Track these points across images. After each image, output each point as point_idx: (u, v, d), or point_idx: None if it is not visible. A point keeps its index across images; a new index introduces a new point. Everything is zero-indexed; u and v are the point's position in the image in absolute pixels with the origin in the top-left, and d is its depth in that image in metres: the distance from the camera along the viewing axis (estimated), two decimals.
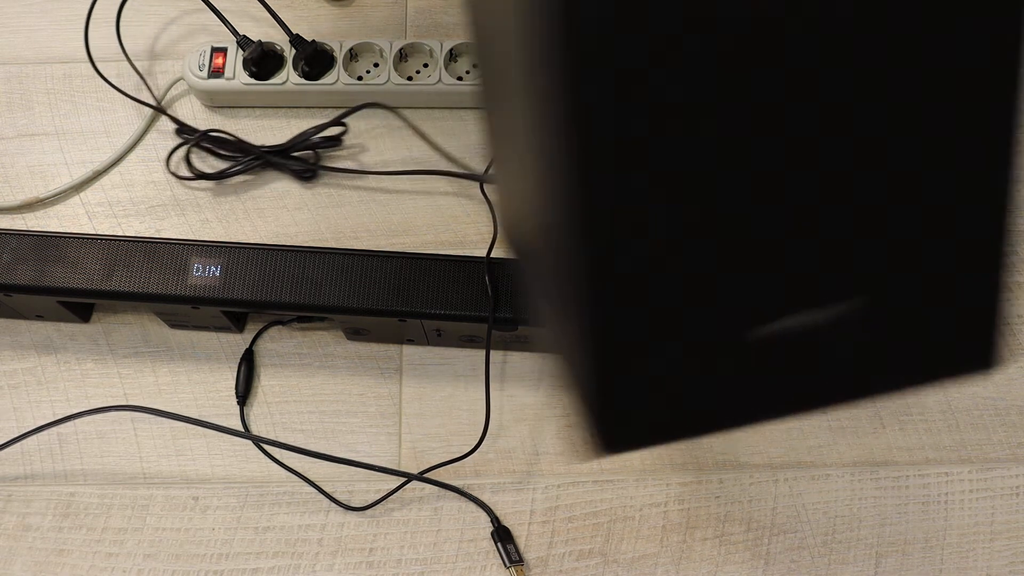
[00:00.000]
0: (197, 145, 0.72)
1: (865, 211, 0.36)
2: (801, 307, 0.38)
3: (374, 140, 0.73)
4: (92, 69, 0.74)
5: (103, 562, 0.63)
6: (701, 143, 0.33)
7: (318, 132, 0.71)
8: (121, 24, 0.76)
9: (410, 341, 0.67)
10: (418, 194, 0.72)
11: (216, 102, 0.74)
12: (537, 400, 0.66)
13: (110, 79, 0.74)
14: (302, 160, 0.72)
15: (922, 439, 0.65)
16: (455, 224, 0.71)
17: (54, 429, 0.65)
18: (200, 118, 0.74)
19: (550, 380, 0.67)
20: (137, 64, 0.75)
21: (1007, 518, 0.64)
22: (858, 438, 0.65)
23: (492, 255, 0.62)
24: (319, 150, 0.72)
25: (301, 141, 0.71)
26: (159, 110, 0.73)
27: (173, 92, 0.75)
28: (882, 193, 0.36)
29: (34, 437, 0.64)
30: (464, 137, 0.73)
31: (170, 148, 0.72)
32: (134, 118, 0.74)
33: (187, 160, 0.72)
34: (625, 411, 0.40)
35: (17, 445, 0.64)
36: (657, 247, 0.35)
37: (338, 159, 0.73)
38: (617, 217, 0.34)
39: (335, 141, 0.72)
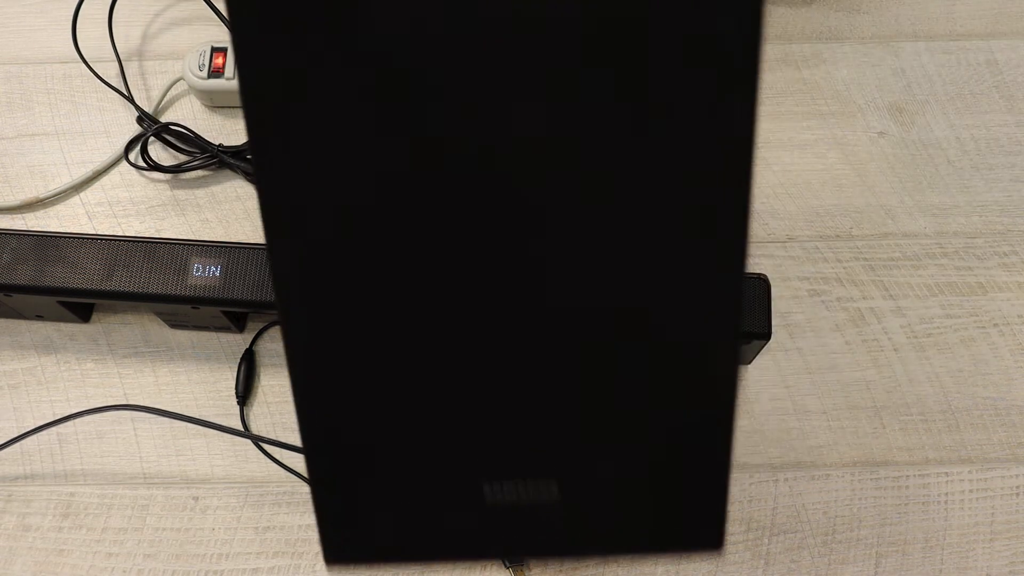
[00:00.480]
0: (157, 137, 0.72)
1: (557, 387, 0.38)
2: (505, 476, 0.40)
3: None
4: (89, 68, 0.74)
5: (103, 562, 0.63)
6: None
7: None
8: (122, 24, 0.76)
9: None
10: None
11: (216, 102, 0.74)
12: None
13: (110, 79, 0.74)
14: None
15: (922, 439, 0.65)
16: None
17: (54, 429, 0.65)
18: (200, 118, 0.74)
19: None
20: (137, 64, 0.75)
21: (1007, 518, 0.64)
22: (858, 438, 0.65)
23: None
24: None
25: None
26: (128, 99, 0.73)
27: (173, 92, 0.75)
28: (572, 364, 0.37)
29: (34, 437, 0.64)
30: None
31: (171, 149, 0.72)
32: (134, 118, 0.74)
33: (143, 151, 0.71)
34: (349, 528, 0.42)
35: (17, 445, 0.64)
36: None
37: None
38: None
39: None
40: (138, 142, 0.72)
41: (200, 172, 0.72)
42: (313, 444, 0.39)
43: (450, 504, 0.41)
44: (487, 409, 0.38)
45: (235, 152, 0.70)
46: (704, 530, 0.41)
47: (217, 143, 0.71)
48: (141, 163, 0.72)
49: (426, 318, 0.36)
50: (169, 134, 0.71)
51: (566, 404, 0.38)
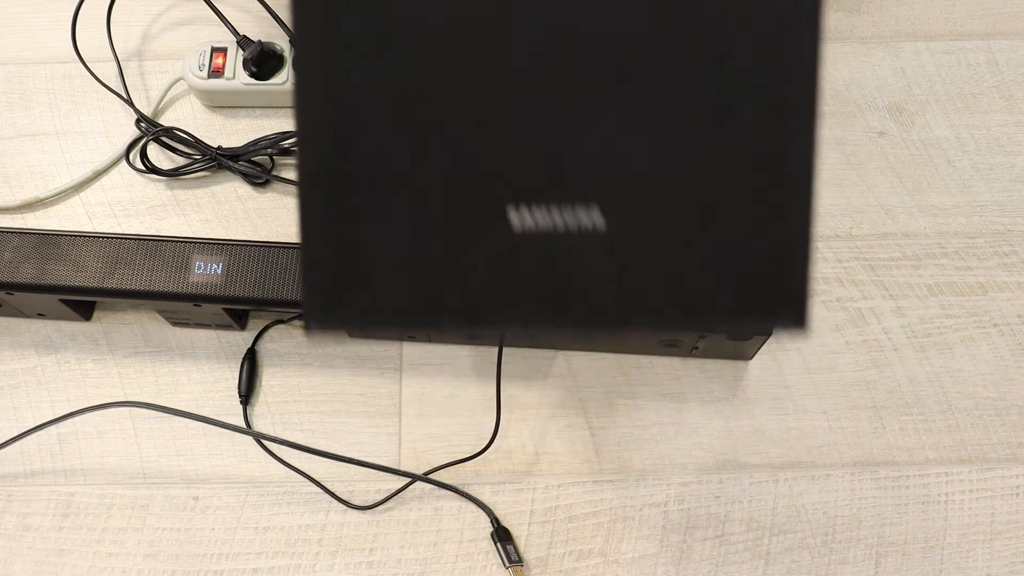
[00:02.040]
0: (156, 140, 0.72)
1: (625, 109, 0.34)
2: (546, 197, 0.35)
3: None
4: (93, 69, 0.74)
5: (103, 562, 0.63)
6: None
7: (281, 139, 0.71)
8: (122, 24, 0.76)
9: (411, 338, 0.67)
10: None
11: (216, 102, 0.74)
12: (537, 400, 0.66)
13: (109, 80, 0.74)
14: (258, 165, 0.71)
15: (922, 439, 0.65)
16: None
17: (54, 428, 0.65)
18: (200, 118, 0.74)
19: (552, 379, 0.67)
20: (137, 64, 0.75)
21: (1007, 518, 0.64)
22: (858, 438, 0.65)
23: None
24: (274, 157, 0.72)
25: (256, 148, 0.71)
26: (127, 101, 0.73)
27: (173, 92, 0.75)
28: (642, 91, 0.34)
29: (34, 436, 0.64)
30: None
31: (164, 151, 0.73)
32: (134, 118, 0.74)
33: (142, 153, 0.71)
34: (347, 285, 0.37)
35: (17, 444, 0.64)
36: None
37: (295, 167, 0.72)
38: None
39: (290, 151, 0.72)
40: (137, 144, 0.72)
41: (200, 173, 0.72)
42: (311, 166, 0.35)
43: (466, 247, 0.35)
44: (518, 123, 0.34)
45: (233, 155, 0.70)
46: (785, 305, 0.35)
47: (216, 146, 0.71)
48: (140, 166, 0.72)
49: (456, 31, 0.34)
50: (168, 137, 0.71)
51: (624, 124, 0.34)
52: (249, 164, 0.71)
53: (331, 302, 0.37)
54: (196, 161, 0.71)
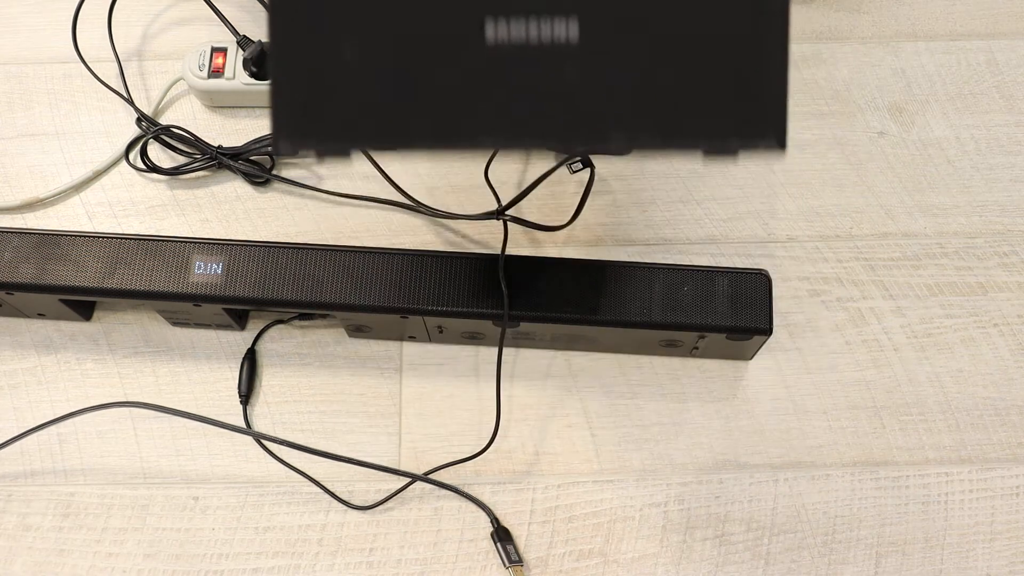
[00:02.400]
0: (156, 139, 0.72)
1: None
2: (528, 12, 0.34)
3: None
4: (93, 69, 0.74)
5: (103, 562, 0.63)
6: None
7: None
8: (122, 24, 0.76)
9: (411, 338, 0.67)
10: (418, 195, 0.72)
11: (216, 102, 0.74)
12: (537, 400, 0.66)
13: (109, 80, 0.74)
14: (258, 164, 0.71)
15: (922, 439, 0.65)
16: (455, 224, 0.71)
17: (54, 428, 0.65)
18: (200, 118, 0.74)
19: (552, 379, 0.67)
20: (137, 64, 0.75)
21: (1007, 518, 0.64)
22: (858, 438, 0.65)
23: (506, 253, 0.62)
24: (275, 156, 0.72)
25: (256, 146, 0.71)
26: (128, 101, 0.73)
27: (173, 92, 0.75)
28: None
29: (34, 436, 0.64)
30: None
31: (165, 150, 0.73)
32: (134, 118, 0.74)
33: (143, 152, 0.71)
34: (317, 100, 0.35)
35: (17, 444, 0.64)
36: None
37: (294, 166, 0.73)
38: None
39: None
40: (138, 143, 0.72)
41: (200, 173, 0.72)
42: None
43: (441, 60, 0.34)
44: None
45: (234, 154, 0.70)
46: (762, 124, 0.35)
47: (216, 145, 0.71)
48: (140, 165, 0.72)
49: None
50: (169, 136, 0.71)
51: None
52: (249, 163, 0.71)
53: (300, 118, 0.36)
54: (196, 160, 0.71)
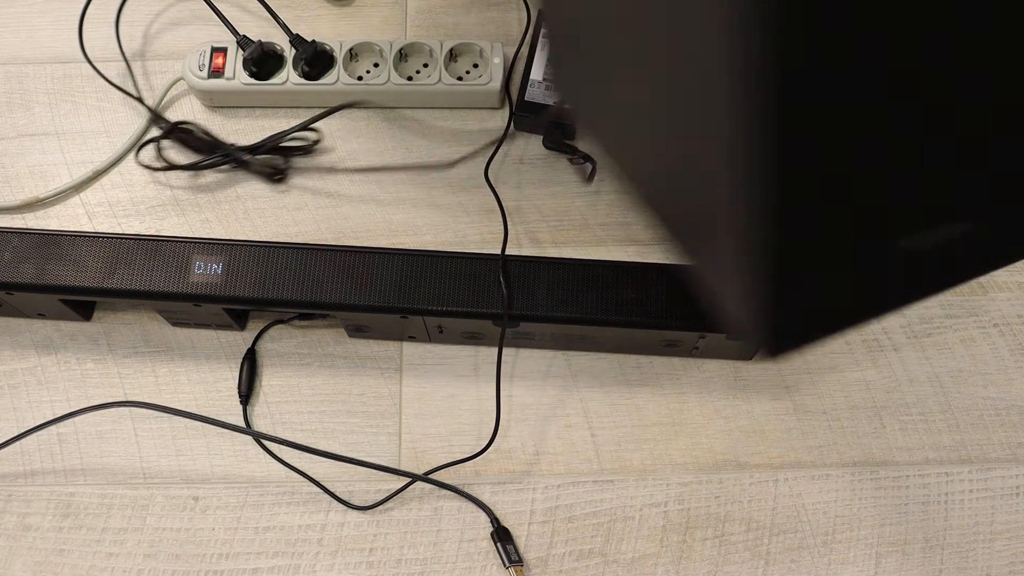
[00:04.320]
0: (169, 137, 0.72)
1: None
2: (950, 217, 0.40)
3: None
4: (92, 69, 0.74)
5: (103, 562, 0.63)
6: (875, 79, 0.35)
7: (296, 130, 0.71)
8: (122, 24, 0.76)
9: (411, 338, 0.67)
10: (418, 195, 0.72)
11: (216, 102, 0.74)
12: (537, 400, 0.66)
13: (110, 79, 0.74)
14: (276, 157, 0.72)
15: (922, 439, 0.65)
16: (455, 224, 0.71)
17: (54, 428, 0.65)
18: (200, 118, 0.74)
19: (552, 379, 0.67)
20: (138, 64, 0.75)
21: (1007, 518, 0.64)
22: (858, 438, 0.65)
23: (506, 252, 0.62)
24: (290, 154, 0.72)
25: (278, 137, 0.71)
26: (138, 99, 0.73)
27: (173, 92, 0.75)
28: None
29: (34, 437, 0.64)
30: (464, 138, 0.73)
31: (171, 149, 0.73)
32: (134, 118, 0.74)
33: (158, 150, 0.71)
34: (795, 311, 0.41)
35: (17, 444, 0.64)
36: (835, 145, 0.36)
37: (313, 158, 0.73)
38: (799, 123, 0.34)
39: (307, 149, 0.72)
40: (149, 143, 0.72)
41: (202, 173, 0.72)
42: (767, 227, 0.37)
43: (870, 262, 0.40)
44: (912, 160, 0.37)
45: (250, 151, 0.70)
46: None
47: (231, 143, 0.71)
48: (156, 164, 0.71)
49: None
50: (183, 133, 0.71)
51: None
52: (263, 161, 0.71)
53: (805, 319, 0.42)
54: (212, 156, 0.71)
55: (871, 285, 0.42)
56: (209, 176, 0.72)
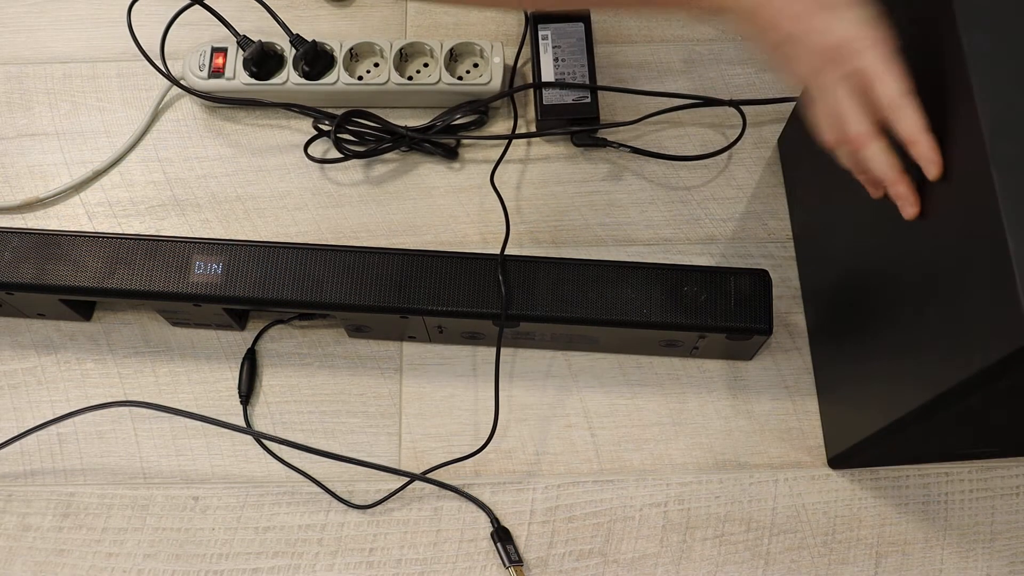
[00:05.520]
0: (341, 127, 0.71)
1: None
2: None
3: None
4: (93, 69, 0.74)
5: (103, 562, 0.63)
6: None
7: (466, 111, 0.72)
8: (121, 24, 0.75)
9: (411, 338, 0.67)
10: (418, 195, 0.72)
11: (216, 102, 0.74)
12: (537, 400, 0.66)
13: (111, 79, 0.74)
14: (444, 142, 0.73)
15: None
16: (455, 224, 0.71)
17: (54, 428, 0.65)
18: (199, 118, 0.74)
19: (552, 379, 0.67)
20: (138, 64, 0.75)
21: (1007, 518, 0.64)
22: None
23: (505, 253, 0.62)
24: (460, 133, 0.73)
25: (447, 119, 0.72)
26: (187, 90, 0.73)
27: (173, 92, 0.75)
28: None
29: (34, 437, 0.64)
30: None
31: (171, 149, 0.73)
32: (134, 118, 0.74)
33: (336, 143, 0.71)
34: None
35: (17, 444, 0.64)
36: None
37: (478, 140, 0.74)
38: None
39: (478, 123, 0.73)
40: (319, 137, 0.73)
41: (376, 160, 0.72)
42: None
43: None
44: None
45: (422, 129, 0.71)
46: None
47: (403, 125, 0.71)
48: (333, 155, 0.72)
49: None
50: (351, 124, 0.71)
51: None
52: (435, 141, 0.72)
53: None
54: (385, 141, 0.71)
55: None
56: (209, 176, 0.72)
